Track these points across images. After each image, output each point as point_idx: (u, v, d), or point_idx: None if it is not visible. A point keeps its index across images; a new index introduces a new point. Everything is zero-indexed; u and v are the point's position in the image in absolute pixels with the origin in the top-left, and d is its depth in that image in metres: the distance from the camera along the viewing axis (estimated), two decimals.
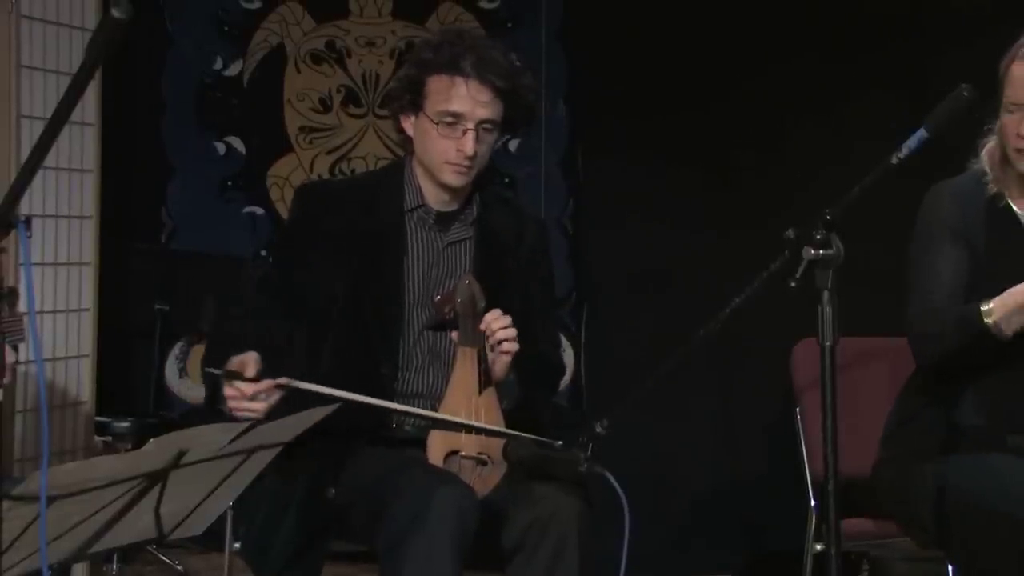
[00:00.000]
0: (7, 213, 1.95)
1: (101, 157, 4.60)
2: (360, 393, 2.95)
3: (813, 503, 3.77)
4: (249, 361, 2.90)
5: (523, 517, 2.96)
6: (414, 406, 3.13)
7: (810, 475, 3.78)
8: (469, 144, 3.11)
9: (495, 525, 2.97)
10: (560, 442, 2.90)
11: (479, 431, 3.02)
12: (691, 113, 5.06)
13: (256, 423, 2.52)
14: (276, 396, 2.88)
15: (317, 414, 2.52)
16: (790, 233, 2.58)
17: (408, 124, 3.20)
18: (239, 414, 2.85)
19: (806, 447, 3.80)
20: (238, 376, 2.87)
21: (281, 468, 2.71)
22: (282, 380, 2.83)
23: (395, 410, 3.08)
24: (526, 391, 3.18)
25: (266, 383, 2.87)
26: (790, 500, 4.02)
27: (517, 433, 3.00)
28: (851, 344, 3.17)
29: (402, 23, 5.47)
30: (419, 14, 5.46)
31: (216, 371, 2.89)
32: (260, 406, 2.87)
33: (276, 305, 3.15)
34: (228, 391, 2.89)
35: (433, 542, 2.80)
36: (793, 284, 2.56)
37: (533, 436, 2.98)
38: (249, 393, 2.86)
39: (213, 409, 2.92)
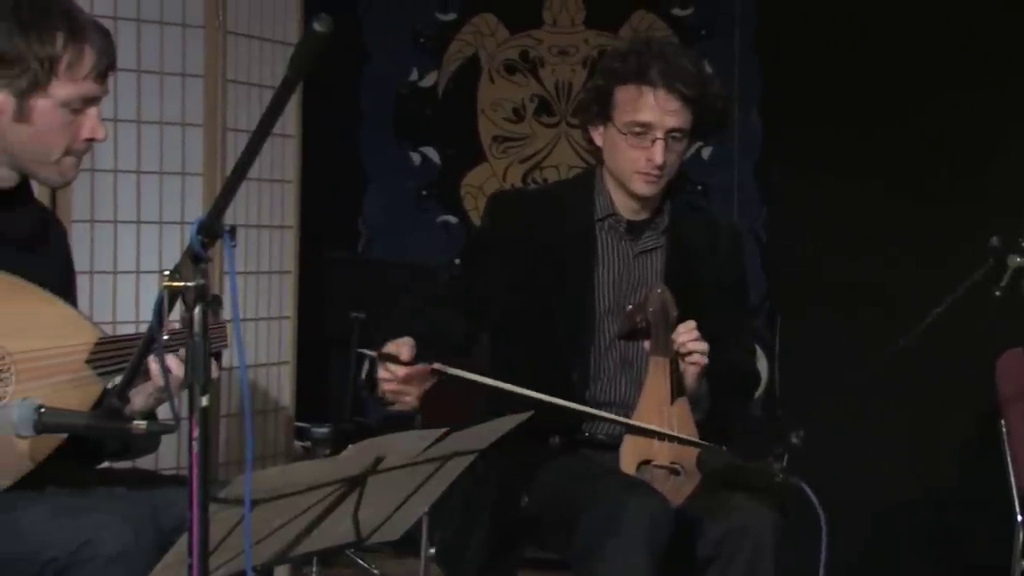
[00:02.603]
0: (213, 223, 1.99)
1: (301, 168, 4.69)
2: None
3: (1020, 518, 3.66)
4: (404, 345, 2.90)
5: (718, 528, 2.94)
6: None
7: (1017, 488, 3.68)
8: (658, 154, 3.10)
9: (689, 535, 2.95)
10: (760, 462, 2.87)
11: (673, 439, 3.01)
12: (887, 123, 4.98)
13: (451, 429, 2.54)
14: (430, 382, 2.89)
15: (511, 421, 2.54)
16: (995, 241, 2.53)
17: (597, 135, 3.21)
18: (391, 396, 2.88)
19: (1012, 460, 3.70)
20: (392, 359, 2.89)
21: (476, 475, 2.73)
22: (435, 365, 2.83)
23: (579, 412, 3.07)
24: (719, 401, 3.15)
25: (419, 367, 2.88)
26: (992, 514, 3.92)
27: (711, 445, 2.98)
28: None
29: (595, 32, 5.48)
30: (612, 23, 5.46)
31: (370, 352, 2.92)
32: (413, 390, 2.88)
33: (459, 305, 3.16)
34: (382, 373, 2.89)
35: (626, 552, 2.80)
36: (998, 292, 2.50)
37: (727, 452, 2.96)
38: (402, 375, 2.86)
39: (371, 391, 2.94)
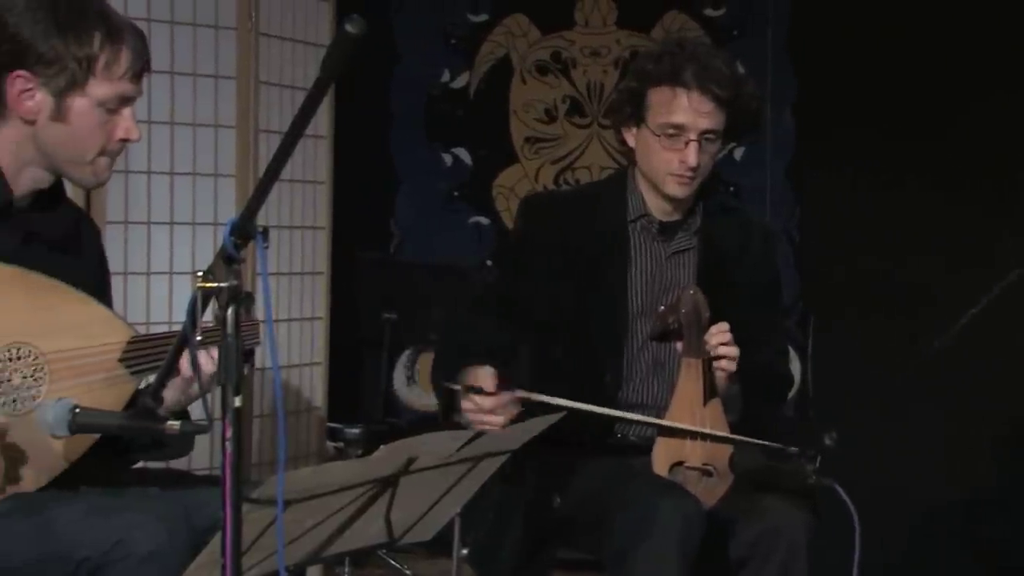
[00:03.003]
0: (246, 224, 2.00)
1: (333, 169, 4.70)
2: (583, 403, 2.96)
3: None
4: (486, 375, 2.91)
5: (751, 529, 2.93)
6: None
7: None
8: (692, 155, 3.09)
9: (721, 537, 2.94)
10: (794, 448, 2.86)
11: (707, 437, 3.00)
12: (921, 123, 4.95)
13: (483, 430, 2.55)
14: (515, 410, 2.89)
15: (543, 423, 2.54)
16: None
17: (630, 136, 3.20)
18: (477, 428, 2.86)
19: None
20: (477, 390, 2.89)
21: (508, 476, 2.73)
22: (520, 393, 2.83)
23: (630, 420, 3.07)
24: (752, 403, 3.14)
25: (505, 396, 2.88)
26: None
27: (747, 439, 2.97)
28: None
29: (627, 32, 5.47)
30: (644, 23, 5.45)
31: (454, 386, 2.92)
32: (499, 419, 2.88)
33: (501, 315, 3.17)
34: (466, 404, 2.91)
35: (659, 553, 2.79)
36: None
37: (763, 442, 2.95)
38: (488, 407, 2.88)
39: (448, 421, 2.94)
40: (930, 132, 4.95)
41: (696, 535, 2.83)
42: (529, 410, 2.88)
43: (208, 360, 2.43)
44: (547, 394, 2.94)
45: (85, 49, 2.50)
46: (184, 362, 2.40)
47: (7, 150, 2.56)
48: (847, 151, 5.08)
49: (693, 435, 3.00)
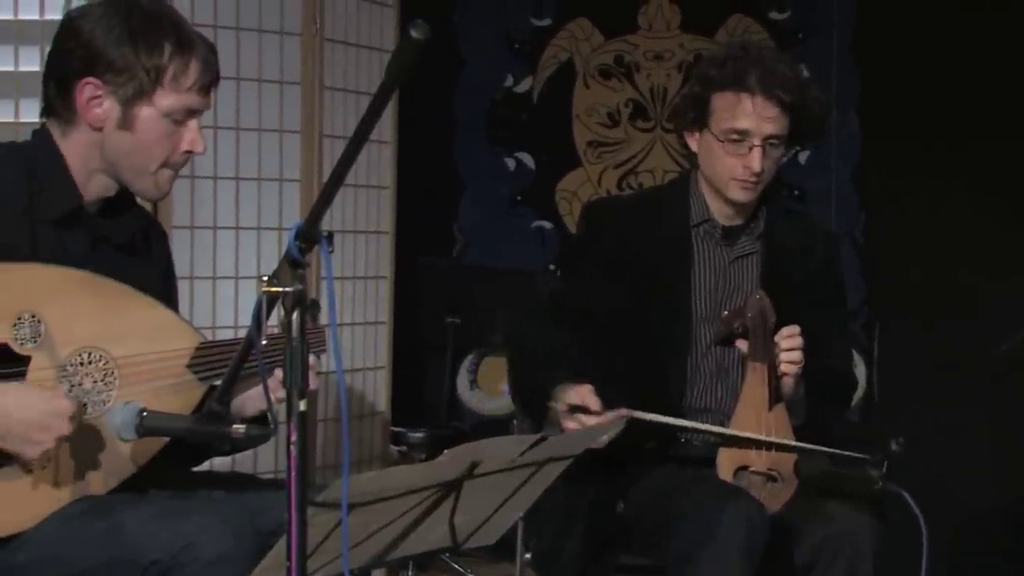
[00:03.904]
0: (311, 229, 2.01)
1: (397, 174, 4.72)
2: (648, 409, 2.95)
3: None
4: (588, 393, 2.92)
5: (816, 534, 2.92)
6: (702, 421, 3.11)
7: None
8: (756, 161, 3.08)
9: (786, 542, 2.93)
10: (865, 456, 2.83)
11: (773, 447, 2.99)
12: (988, 127, 4.91)
13: (546, 435, 2.54)
14: (618, 428, 2.89)
15: (608, 428, 2.53)
16: None
17: (693, 140, 3.19)
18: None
19: None
20: (581, 410, 2.89)
21: (571, 480, 2.73)
22: (624, 411, 2.82)
23: (714, 434, 3.05)
24: (816, 407, 3.13)
25: (610, 415, 2.88)
26: None
27: (816, 447, 2.95)
28: None
29: (690, 36, 5.45)
30: (708, 27, 5.43)
31: (558, 406, 2.92)
32: (603, 438, 2.88)
33: (569, 322, 3.17)
34: (571, 424, 2.91)
35: (723, 558, 2.78)
36: None
37: (832, 450, 2.93)
38: (592, 426, 2.88)
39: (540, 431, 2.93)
40: (997, 134, 4.90)
41: (760, 540, 2.82)
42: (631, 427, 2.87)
43: (279, 386, 2.43)
44: (610, 400, 2.93)
45: (154, 59, 2.52)
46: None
47: (77, 156, 2.58)
48: (912, 154, 5.05)
49: (758, 444, 2.99)
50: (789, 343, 2.99)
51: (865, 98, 5.25)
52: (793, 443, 2.98)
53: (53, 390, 2.42)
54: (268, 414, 2.19)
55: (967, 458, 4.94)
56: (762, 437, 2.98)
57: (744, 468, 3.00)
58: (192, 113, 2.58)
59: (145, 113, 2.54)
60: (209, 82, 2.58)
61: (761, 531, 2.83)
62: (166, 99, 2.54)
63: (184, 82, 2.55)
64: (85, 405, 2.46)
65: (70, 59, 2.54)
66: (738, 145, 3.09)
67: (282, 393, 2.02)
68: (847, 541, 2.88)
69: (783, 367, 3.00)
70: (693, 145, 3.19)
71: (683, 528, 2.87)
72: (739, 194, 3.13)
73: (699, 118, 3.15)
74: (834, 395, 3.25)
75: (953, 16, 4.99)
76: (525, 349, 3.18)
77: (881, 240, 5.25)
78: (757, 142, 3.08)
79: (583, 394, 2.91)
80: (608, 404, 2.92)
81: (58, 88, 2.57)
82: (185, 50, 2.54)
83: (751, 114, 3.07)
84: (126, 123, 2.54)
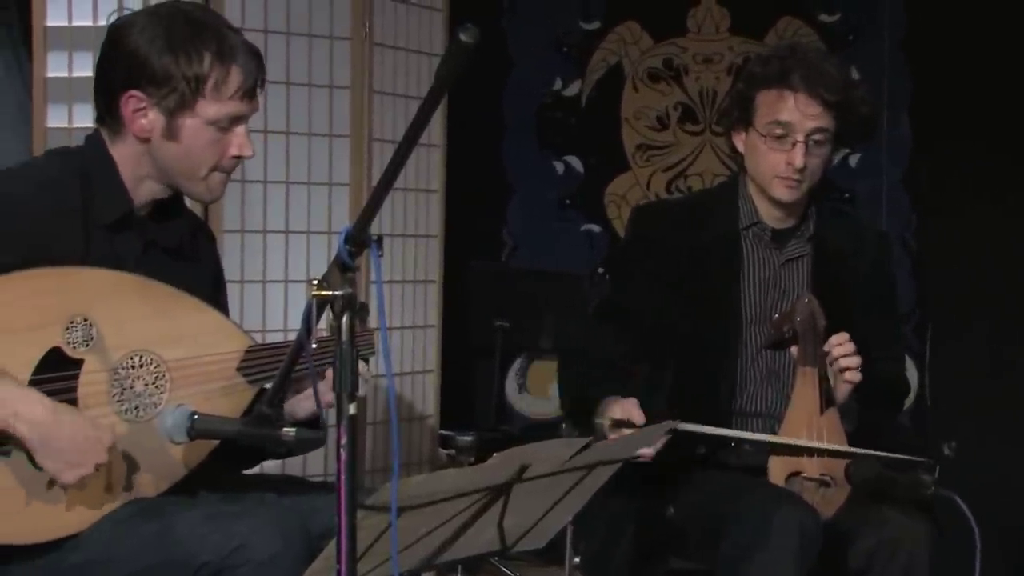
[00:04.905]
0: (361, 233, 2.01)
1: (446, 178, 4.73)
2: (698, 413, 2.94)
3: None
4: (633, 407, 2.91)
5: (869, 539, 2.90)
6: (752, 425, 3.10)
7: None
8: (798, 157, 3.06)
9: (839, 547, 2.91)
10: (917, 460, 2.81)
11: (825, 453, 2.96)
12: None
13: (593, 439, 2.54)
14: (664, 440, 2.88)
15: (657, 432, 2.52)
16: None
17: (739, 140, 3.18)
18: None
19: None
20: (627, 424, 2.89)
21: (621, 485, 2.72)
22: (669, 424, 2.82)
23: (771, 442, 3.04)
24: (868, 411, 3.10)
25: (655, 429, 2.87)
26: None
27: (867, 452, 2.93)
28: None
29: (739, 39, 5.44)
30: (757, 29, 5.42)
31: (603, 421, 2.92)
32: (649, 451, 2.88)
33: (616, 326, 3.16)
34: (613, 439, 2.91)
35: (775, 563, 2.77)
36: None
37: (884, 454, 2.91)
38: (637, 435, 2.87)
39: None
40: None
41: (813, 545, 2.80)
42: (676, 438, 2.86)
43: (327, 390, 2.44)
44: (657, 408, 2.92)
45: (194, 68, 2.52)
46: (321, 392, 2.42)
47: (126, 164, 2.60)
48: (964, 157, 5.01)
49: (808, 451, 2.97)
50: (842, 350, 2.97)
51: (916, 99, 5.22)
52: (844, 448, 2.96)
53: (95, 421, 2.42)
54: (319, 418, 2.20)
55: (1021, 462, 4.90)
56: (811, 444, 2.96)
57: (796, 473, 2.98)
58: (237, 119, 2.58)
59: (189, 123, 2.55)
60: (252, 87, 2.58)
61: (814, 537, 2.82)
62: (209, 108, 2.54)
63: (226, 90, 2.54)
64: (137, 408, 2.47)
65: (114, 70, 2.55)
66: (781, 141, 3.07)
67: (331, 396, 2.02)
68: (902, 546, 2.86)
69: (847, 375, 2.97)
70: (739, 145, 3.19)
71: (734, 533, 2.85)
72: (783, 192, 3.11)
73: (744, 116, 3.14)
74: (886, 399, 3.23)
75: (1004, 15, 4.95)
76: (574, 358, 3.18)
77: (933, 242, 5.22)
78: (800, 138, 3.06)
79: (628, 408, 2.90)
80: (655, 412, 2.91)
81: (104, 99, 2.58)
82: (226, 58, 2.53)
83: (793, 108, 3.06)
84: (172, 133, 2.55)
